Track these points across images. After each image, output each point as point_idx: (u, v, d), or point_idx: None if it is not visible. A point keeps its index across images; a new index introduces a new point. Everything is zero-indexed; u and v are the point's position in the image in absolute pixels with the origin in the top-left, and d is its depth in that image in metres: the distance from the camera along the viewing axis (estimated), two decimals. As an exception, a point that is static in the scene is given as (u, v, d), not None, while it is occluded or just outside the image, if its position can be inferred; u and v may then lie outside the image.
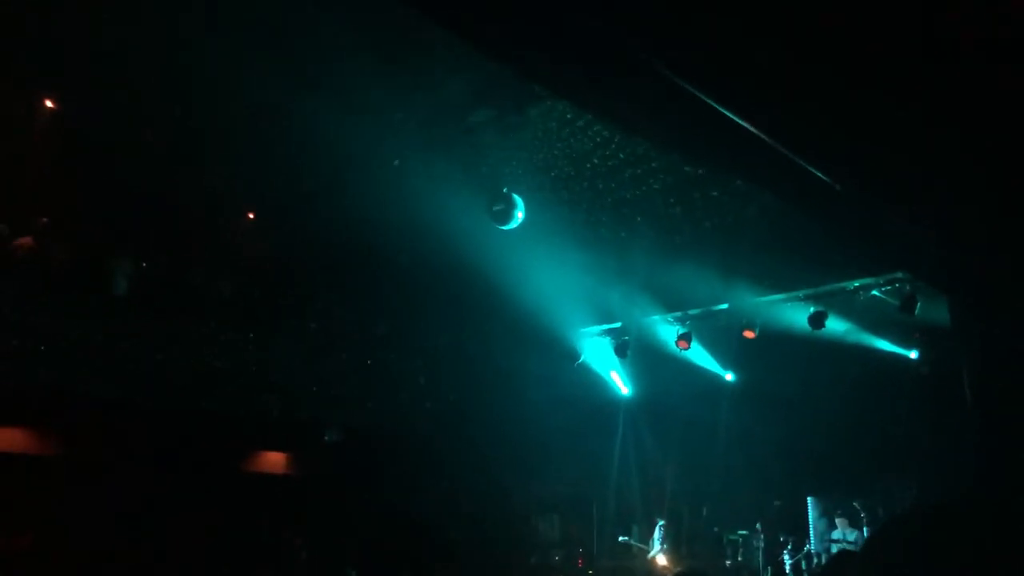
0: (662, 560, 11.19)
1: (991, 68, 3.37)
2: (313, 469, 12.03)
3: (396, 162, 9.53)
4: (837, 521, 12.22)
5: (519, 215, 10.93)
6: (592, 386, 13.99)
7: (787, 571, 11.74)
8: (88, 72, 8.38)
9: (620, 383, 14.31)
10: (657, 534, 12.41)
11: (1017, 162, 4.00)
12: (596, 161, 9.67)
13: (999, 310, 5.83)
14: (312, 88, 8.42)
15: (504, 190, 10.98)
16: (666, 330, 12.93)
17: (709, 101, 3.89)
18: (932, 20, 3.17)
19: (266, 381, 11.86)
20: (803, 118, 3.98)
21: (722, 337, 12.77)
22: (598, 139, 9.00)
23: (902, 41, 3.37)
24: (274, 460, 12.16)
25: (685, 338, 12.47)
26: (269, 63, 8.08)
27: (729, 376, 13.37)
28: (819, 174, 4.49)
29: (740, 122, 4.05)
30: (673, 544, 12.29)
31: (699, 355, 13.09)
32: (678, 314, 12.67)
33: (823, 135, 4.24)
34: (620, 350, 13.28)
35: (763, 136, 4.16)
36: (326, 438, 11.66)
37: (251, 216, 11.67)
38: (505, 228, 11.03)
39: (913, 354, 11.82)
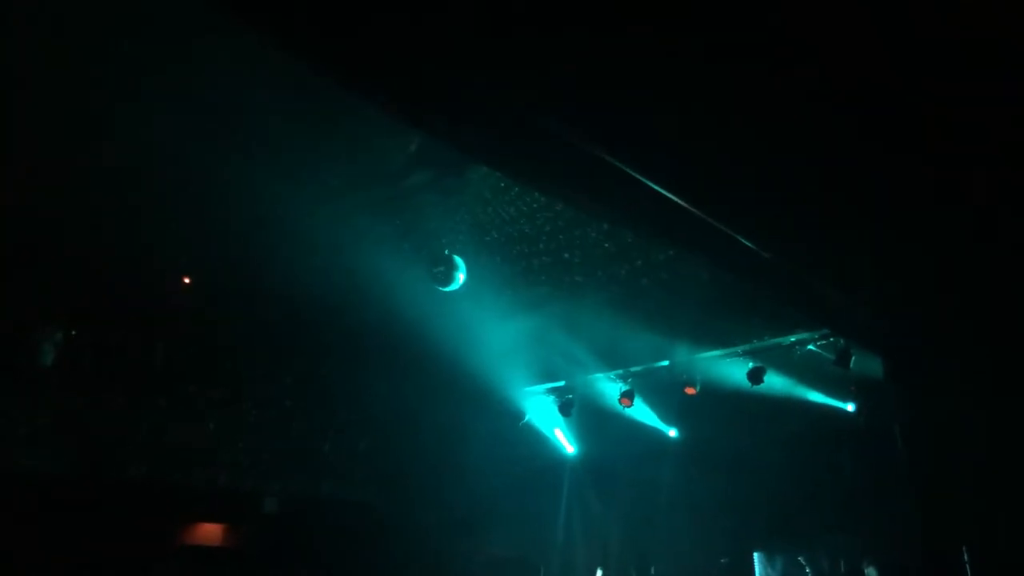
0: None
1: (918, 148, 3.50)
2: (251, 540, 11.59)
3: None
4: (783, 577, 12.26)
5: (460, 277, 10.89)
6: (537, 445, 13.88)
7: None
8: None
9: (565, 442, 14.23)
10: None
11: (947, 237, 4.15)
12: (537, 223, 9.73)
13: (929, 373, 5.98)
14: (242, 153, 8.31)
15: (445, 252, 10.96)
16: (609, 387, 12.94)
17: (636, 175, 3.96)
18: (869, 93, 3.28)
19: (200, 451, 11.48)
20: (730, 191, 4.05)
21: (664, 393, 12.84)
22: (537, 203, 9.06)
23: (829, 118, 3.48)
24: (210, 532, 11.69)
25: (628, 395, 12.49)
26: (198, 126, 7.96)
27: (672, 432, 13.40)
28: (747, 243, 4.59)
29: (667, 194, 4.12)
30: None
31: (642, 412, 13.11)
32: (620, 371, 12.71)
33: (750, 206, 4.33)
34: (564, 408, 13.23)
35: (690, 208, 4.23)
36: (264, 508, 11.27)
37: (186, 281, 11.40)
38: (446, 290, 10.98)
39: (850, 407, 12.02)
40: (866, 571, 10.94)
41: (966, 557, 7.34)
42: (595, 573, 12.44)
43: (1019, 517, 6.83)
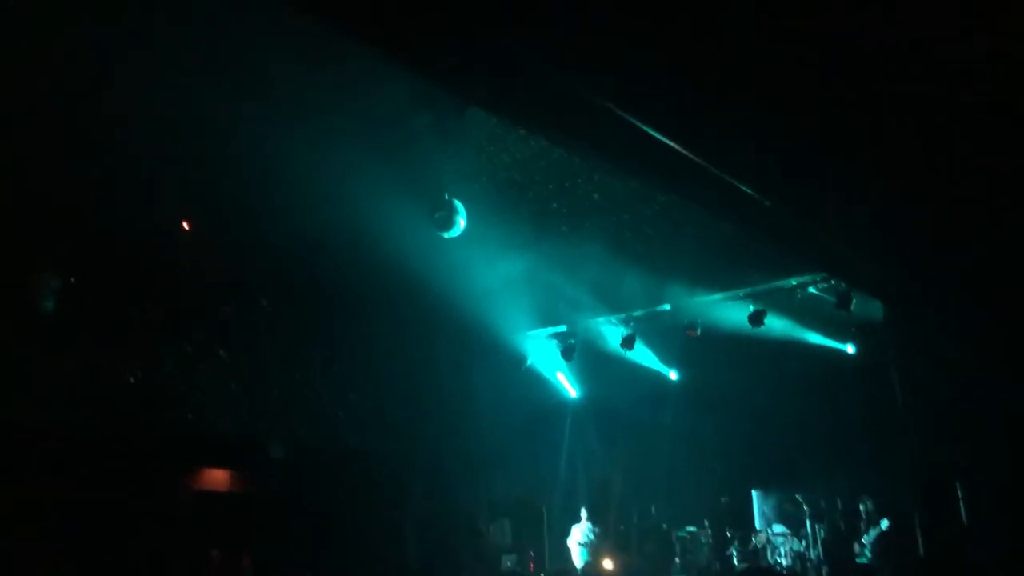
0: (608, 564, 11.26)
1: (918, 96, 3.48)
2: (258, 486, 11.81)
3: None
4: (780, 515, 12.55)
5: (461, 222, 10.87)
6: (539, 389, 14.04)
7: (735, 565, 11.94)
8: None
9: (567, 385, 14.39)
10: (584, 534, 12.45)
11: (942, 183, 4.15)
12: (538, 168, 9.68)
13: (926, 316, 6.03)
14: (246, 95, 8.23)
15: (446, 196, 10.92)
16: (611, 332, 13.03)
17: (637, 123, 3.94)
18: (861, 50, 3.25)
19: (209, 398, 11.62)
20: (733, 140, 4.04)
21: (665, 337, 12.93)
22: (538, 148, 9.00)
23: (830, 71, 3.45)
24: (218, 477, 11.90)
25: (629, 339, 12.59)
26: (198, 70, 7.86)
27: (673, 375, 13.55)
28: (749, 191, 4.59)
29: (668, 142, 4.11)
30: (613, 542, 12.36)
31: (643, 355, 13.23)
32: (622, 316, 12.78)
33: (753, 154, 4.31)
34: (566, 353, 13.34)
35: (695, 158, 4.22)
36: (271, 454, 11.46)
37: (186, 227, 11.38)
38: (447, 235, 10.98)
39: (850, 348, 12.12)
40: (861, 508, 11.17)
41: (959, 491, 7.52)
42: (579, 512, 12.64)
43: (1007, 453, 6.97)
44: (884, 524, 10.61)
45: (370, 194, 9.92)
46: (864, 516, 11.08)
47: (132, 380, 11.00)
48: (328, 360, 12.96)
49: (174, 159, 9.41)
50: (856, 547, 11.02)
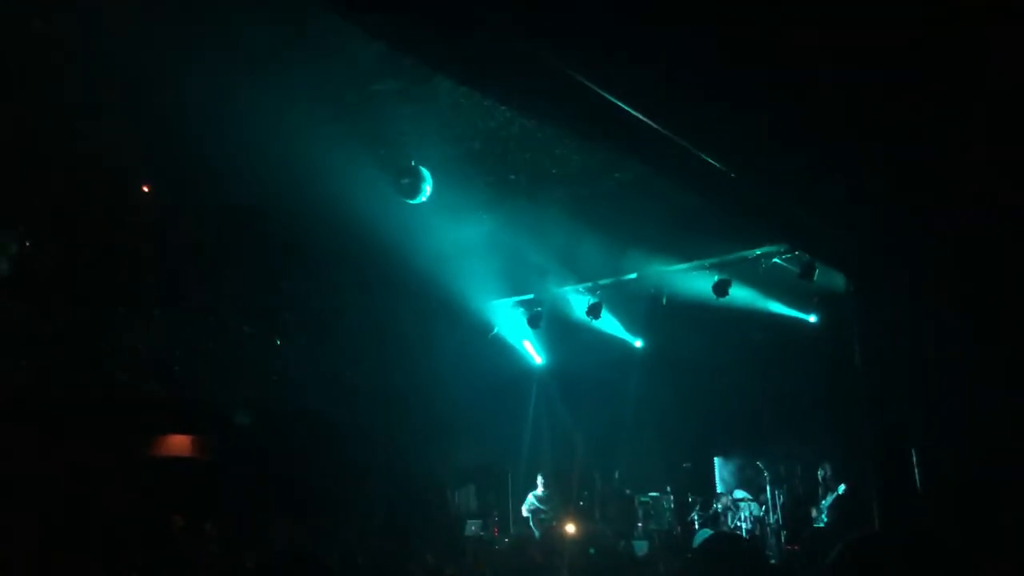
0: (570, 529, 11.40)
1: (883, 69, 3.47)
2: (221, 452, 11.75)
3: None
4: (741, 480, 12.81)
5: (427, 189, 10.79)
6: (505, 357, 14.09)
7: (696, 529, 12.15)
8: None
9: (533, 353, 14.46)
10: (540, 501, 12.57)
11: (907, 155, 4.17)
12: (506, 135, 9.61)
13: (888, 289, 6.12)
14: (209, 58, 8.04)
15: (412, 163, 10.81)
16: (577, 300, 13.08)
17: (607, 96, 3.89)
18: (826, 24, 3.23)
19: (166, 362, 11.49)
20: (698, 112, 4.01)
21: (631, 306, 13.01)
22: (505, 116, 8.91)
23: (794, 40, 3.43)
24: (180, 443, 11.82)
25: (595, 308, 12.65)
26: (159, 32, 7.65)
27: (638, 343, 13.66)
28: (714, 163, 4.57)
29: (631, 111, 4.06)
30: (573, 508, 12.50)
31: (609, 324, 13.31)
32: (589, 284, 12.82)
33: (718, 126, 4.29)
34: (533, 321, 13.38)
35: (659, 128, 4.18)
36: (235, 420, 11.39)
37: (145, 189, 11.16)
38: (413, 202, 10.88)
39: (812, 318, 12.30)
40: (820, 474, 11.41)
41: (915, 459, 7.71)
42: (535, 479, 12.75)
43: (962, 422, 7.14)
44: (841, 489, 10.86)
45: (334, 158, 9.79)
46: (822, 482, 11.33)
47: (91, 344, 10.84)
48: (293, 326, 12.87)
49: (130, 119, 9.21)
50: (813, 512, 11.28)
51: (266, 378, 12.33)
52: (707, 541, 2.60)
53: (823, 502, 11.16)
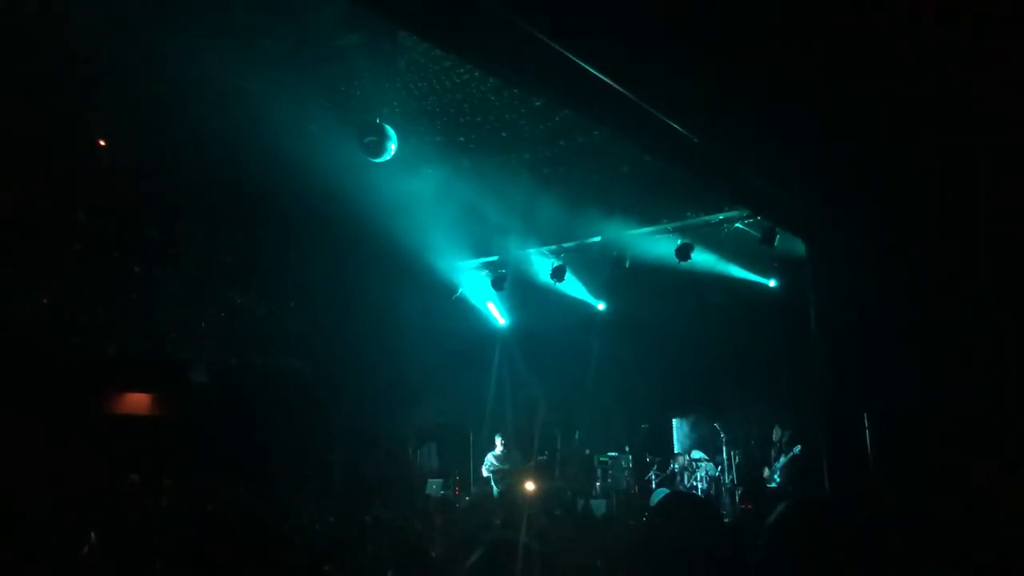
0: (529, 487, 11.57)
1: (846, 36, 3.50)
2: (179, 410, 11.66)
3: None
4: (698, 441, 13.09)
5: (392, 147, 10.68)
6: (469, 318, 14.12)
7: (653, 488, 12.41)
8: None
9: (497, 315, 14.50)
10: (499, 460, 12.71)
11: (868, 125, 4.23)
12: (471, 95, 9.52)
13: (845, 255, 6.25)
14: (171, 18, 7.84)
15: (377, 121, 10.67)
16: (541, 263, 13.12)
17: (571, 56, 3.87)
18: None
19: (130, 319, 11.34)
20: (664, 76, 4.01)
21: (594, 268, 13.09)
22: (471, 75, 8.82)
23: (756, 7, 3.43)
24: (137, 401, 11.70)
25: (559, 271, 12.70)
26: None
27: (601, 306, 13.77)
28: (677, 127, 4.59)
29: (596, 73, 4.05)
30: (533, 466, 12.66)
31: (573, 286, 13.38)
32: (553, 247, 12.86)
33: (682, 91, 4.30)
34: (497, 283, 13.40)
35: (624, 91, 4.18)
36: (193, 378, 11.29)
37: (102, 143, 10.93)
38: (377, 160, 10.77)
39: (772, 282, 12.48)
40: (775, 436, 11.69)
41: (866, 423, 7.94)
42: (494, 439, 12.89)
43: (912, 388, 7.36)
44: (797, 450, 11.12)
45: (298, 116, 9.65)
46: (777, 444, 11.61)
47: (47, 301, 10.65)
48: (254, 284, 12.75)
49: (93, 78, 9.01)
50: (767, 472, 11.57)
51: (227, 337, 12.23)
52: (664, 499, 2.64)
53: (776, 463, 11.45)
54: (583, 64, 3.83)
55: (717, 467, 12.28)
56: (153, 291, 11.70)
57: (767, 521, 1.54)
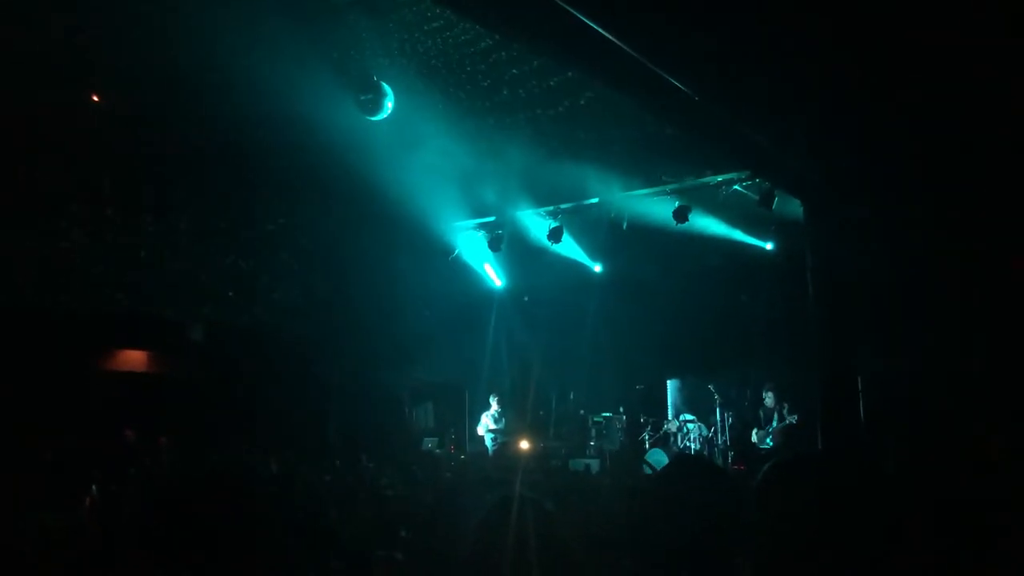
0: (524, 445, 11.67)
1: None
2: (175, 367, 11.69)
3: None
4: (692, 403, 13.17)
5: (388, 105, 10.59)
6: (466, 279, 14.11)
7: (646, 448, 12.51)
8: None
9: (493, 276, 14.49)
10: (492, 420, 12.77)
11: (868, 86, 4.19)
12: (469, 54, 9.41)
13: (842, 218, 6.23)
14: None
15: (374, 79, 10.56)
16: (538, 224, 13.08)
17: (576, 14, 3.81)
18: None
19: (126, 277, 11.33)
20: (666, 34, 3.96)
21: (591, 230, 13.05)
22: (471, 32, 8.70)
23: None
24: (134, 358, 11.72)
25: (556, 232, 12.66)
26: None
27: (598, 268, 13.76)
28: (679, 84, 4.54)
29: (602, 32, 4.00)
30: (528, 426, 12.74)
31: (570, 248, 13.36)
32: (550, 208, 12.80)
33: (684, 49, 4.25)
34: (494, 244, 13.36)
35: (627, 49, 4.13)
36: (189, 335, 11.30)
37: (95, 99, 10.82)
38: (374, 119, 10.68)
39: (769, 245, 12.44)
40: (764, 396, 11.71)
41: (860, 385, 7.99)
42: (490, 399, 12.94)
43: (906, 349, 7.41)
44: (794, 419, 11.13)
45: (295, 74, 9.54)
46: (770, 406, 11.64)
47: (44, 258, 10.63)
48: (251, 244, 12.71)
49: (86, 33, 8.91)
50: (760, 435, 11.63)
51: (224, 296, 12.23)
52: (674, 461, 2.68)
53: (770, 427, 11.50)
54: (583, 18, 3.78)
55: (710, 428, 12.37)
56: (149, 249, 11.67)
57: (755, 481, 1.55)
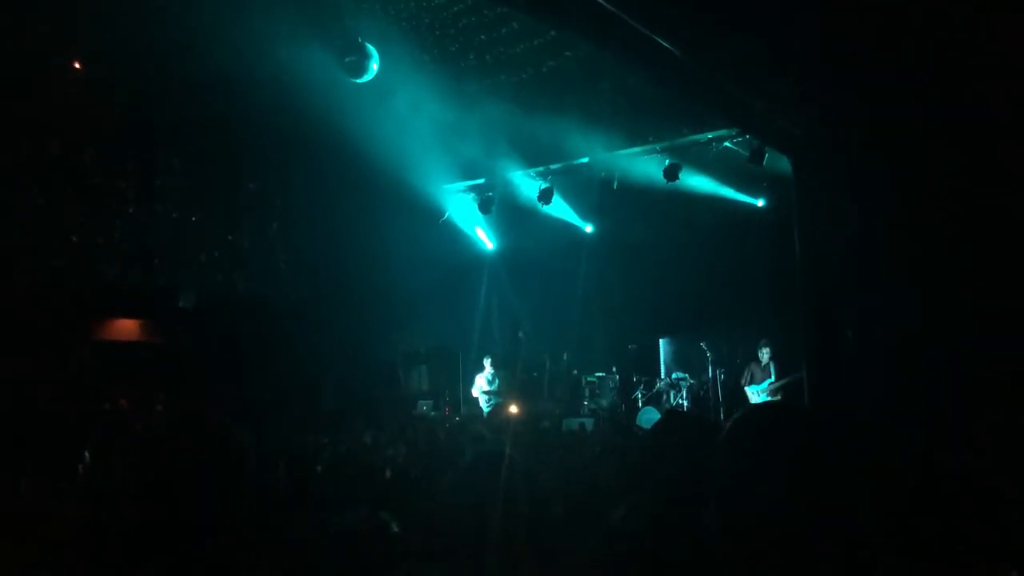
0: (513, 409, 11.74)
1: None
2: (166, 335, 11.69)
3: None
4: (684, 360, 13.24)
5: (373, 67, 10.46)
6: (457, 242, 14.09)
7: (639, 406, 12.60)
8: None
9: (484, 238, 14.46)
10: (487, 382, 12.80)
11: (854, 42, 4.14)
12: (455, 13, 9.29)
13: (830, 174, 6.20)
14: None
15: (359, 40, 10.42)
16: (528, 185, 13.01)
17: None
18: None
19: (118, 244, 11.29)
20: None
21: (582, 190, 13.00)
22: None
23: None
24: (125, 327, 11.71)
25: (546, 193, 12.61)
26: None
27: (589, 228, 13.73)
28: (661, 41, 4.48)
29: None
30: (520, 387, 12.77)
31: (560, 209, 13.31)
32: (540, 169, 12.73)
33: (667, 5, 4.18)
34: (484, 206, 13.32)
35: (606, 4, 4.06)
36: (180, 303, 11.28)
37: (77, 67, 10.69)
38: (360, 80, 10.56)
39: (760, 202, 12.42)
40: (759, 352, 11.73)
41: (848, 346, 8.01)
42: (483, 361, 12.97)
43: (896, 303, 7.42)
44: (794, 377, 11.13)
45: (280, 36, 9.43)
46: (765, 362, 11.66)
47: (35, 228, 10.58)
48: (239, 210, 12.65)
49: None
50: (755, 390, 11.67)
51: (215, 263, 12.20)
52: (664, 416, 2.75)
53: (762, 383, 11.53)
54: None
55: (703, 385, 12.45)
56: (139, 217, 11.61)
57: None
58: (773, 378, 11.40)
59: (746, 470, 1.44)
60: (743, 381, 11.60)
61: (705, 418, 8.64)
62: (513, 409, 11.75)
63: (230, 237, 12.48)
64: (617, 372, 13.17)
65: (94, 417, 8.04)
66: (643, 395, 12.76)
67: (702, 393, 12.40)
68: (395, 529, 2.49)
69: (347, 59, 10.09)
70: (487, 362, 12.90)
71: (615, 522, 2.40)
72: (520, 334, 13.22)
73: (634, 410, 12.53)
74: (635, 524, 2.36)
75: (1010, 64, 5.11)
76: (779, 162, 10.34)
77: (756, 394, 11.54)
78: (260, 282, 12.52)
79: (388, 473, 6.59)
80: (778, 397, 11.21)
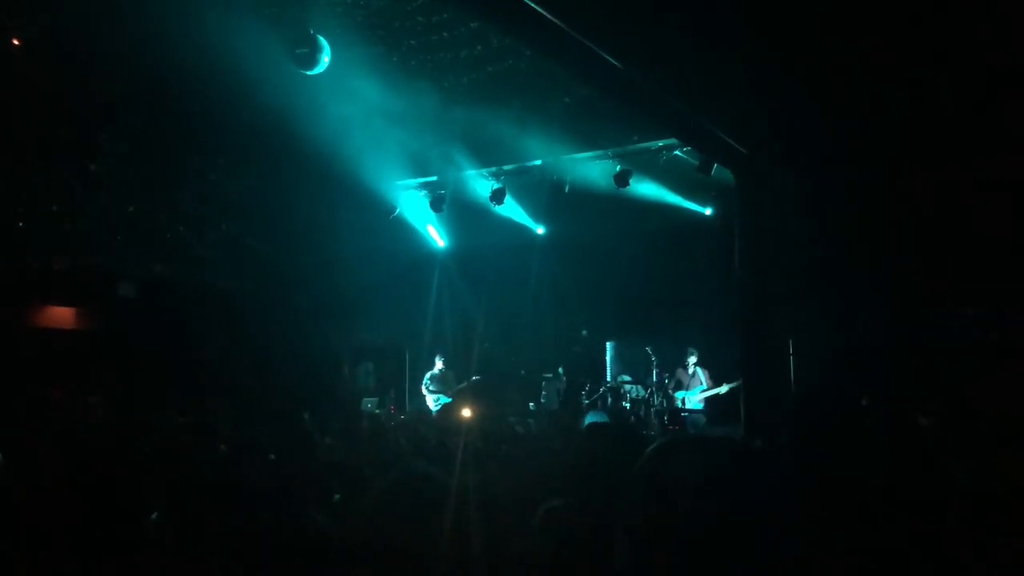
0: (465, 412, 11.73)
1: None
2: (105, 323, 11.43)
3: None
4: (630, 364, 13.37)
5: (324, 59, 10.35)
6: (407, 239, 14.03)
7: (583, 408, 12.69)
8: None
9: (436, 236, 14.43)
10: (436, 381, 12.77)
11: (792, 56, 4.24)
12: (408, 11, 9.24)
13: (771, 186, 6.34)
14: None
15: (310, 31, 10.30)
16: (481, 185, 13.02)
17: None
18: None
19: (57, 231, 10.99)
20: (591, 5, 3.93)
21: (534, 192, 13.06)
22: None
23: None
24: (62, 314, 11.42)
25: (498, 193, 12.63)
26: None
27: (540, 230, 13.79)
28: (603, 54, 4.53)
29: (531, 4, 3.96)
30: (469, 387, 12.77)
31: (512, 209, 13.35)
32: (493, 169, 12.75)
33: (609, 18, 4.23)
34: (435, 204, 13.28)
35: (549, 16, 4.09)
36: (120, 291, 11.03)
37: (16, 43, 10.36)
38: (310, 73, 10.44)
39: (708, 211, 12.62)
40: (687, 359, 11.88)
41: (791, 348, 8.18)
42: (435, 359, 12.97)
43: (834, 312, 7.61)
44: (723, 389, 11.33)
45: (230, 26, 9.27)
46: (689, 371, 11.82)
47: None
48: (185, 197, 12.41)
49: None
50: (684, 396, 11.82)
51: (157, 252, 11.96)
52: (588, 427, 2.79)
53: (691, 390, 11.69)
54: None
55: (647, 389, 12.59)
56: (80, 202, 11.32)
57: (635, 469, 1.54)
58: (704, 385, 11.60)
59: (656, 512, 1.43)
60: (670, 387, 11.81)
61: (632, 432, 8.72)
62: (461, 408, 11.74)
63: (174, 226, 12.25)
64: (564, 373, 13.26)
65: (20, 407, 7.82)
66: (587, 397, 12.86)
67: (647, 397, 12.53)
68: (328, 528, 2.49)
69: (298, 51, 9.96)
70: (439, 360, 12.88)
71: (534, 526, 2.44)
72: (512, 357, 13.28)
73: (579, 412, 12.60)
74: (550, 534, 2.39)
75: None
76: (727, 172, 10.54)
77: (687, 400, 11.73)
78: (204, 273, 12.32)
79: (326, 471, 6.55)
80: (710, 394, 11.44)
